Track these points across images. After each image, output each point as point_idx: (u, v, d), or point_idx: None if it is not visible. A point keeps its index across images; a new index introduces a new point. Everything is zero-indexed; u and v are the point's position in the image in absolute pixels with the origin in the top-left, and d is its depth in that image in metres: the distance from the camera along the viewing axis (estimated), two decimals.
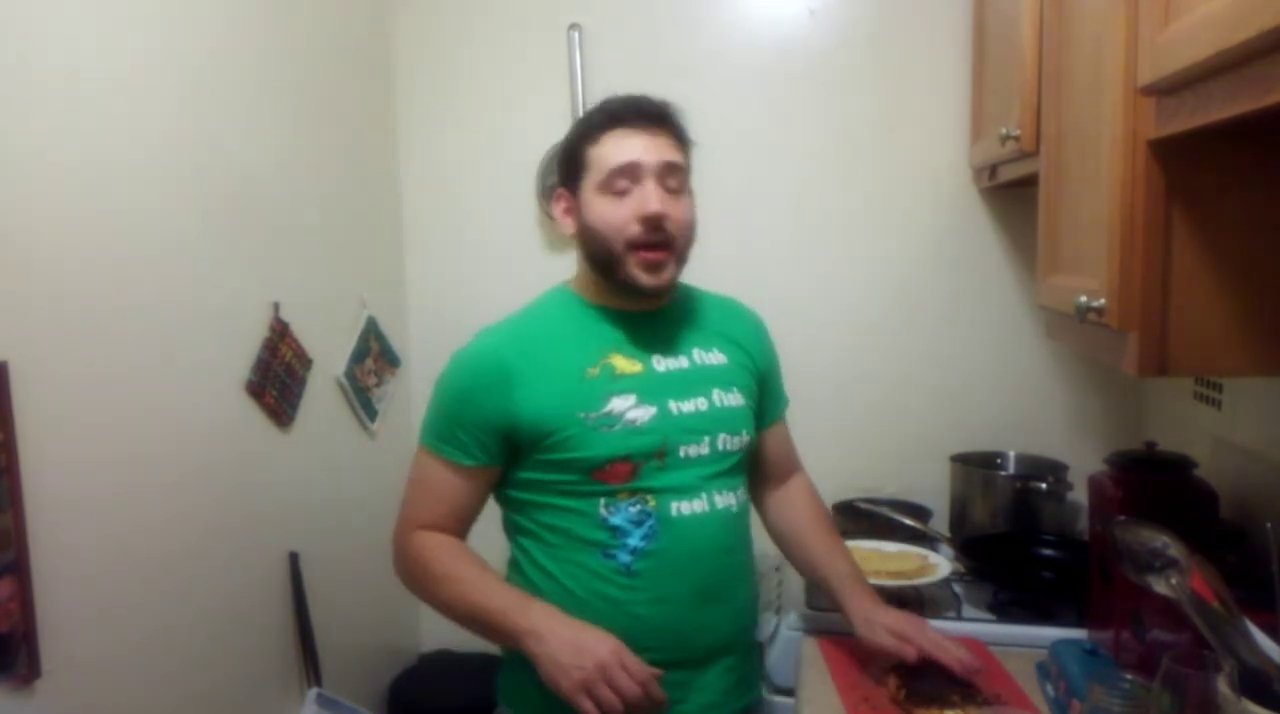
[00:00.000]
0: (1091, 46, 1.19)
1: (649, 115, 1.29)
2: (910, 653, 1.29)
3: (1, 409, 1.26)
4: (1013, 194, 2.14)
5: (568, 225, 1.34)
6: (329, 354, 2.09)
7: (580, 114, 2.28)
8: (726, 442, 1.34)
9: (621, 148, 1.27)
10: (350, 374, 2.17)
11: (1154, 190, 1.02)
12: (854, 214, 2.28)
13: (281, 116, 1.93)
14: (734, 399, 1.36)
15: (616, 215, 1.26)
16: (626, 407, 1.27)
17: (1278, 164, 0.99)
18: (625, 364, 1.30)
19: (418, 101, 2.43)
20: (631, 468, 1.26)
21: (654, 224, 1.26)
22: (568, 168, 1.33)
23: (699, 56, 2.28)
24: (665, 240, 1.27)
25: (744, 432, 1.37)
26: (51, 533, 1.34)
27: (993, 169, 1.93)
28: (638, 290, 1.29)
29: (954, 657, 1.30)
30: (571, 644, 1.17)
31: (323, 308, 2.06)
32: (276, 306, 1.88)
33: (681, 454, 1.29)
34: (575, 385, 1.27)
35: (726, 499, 1.33)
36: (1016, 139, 1.55)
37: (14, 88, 1.30)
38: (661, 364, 1.32)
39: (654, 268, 1.28)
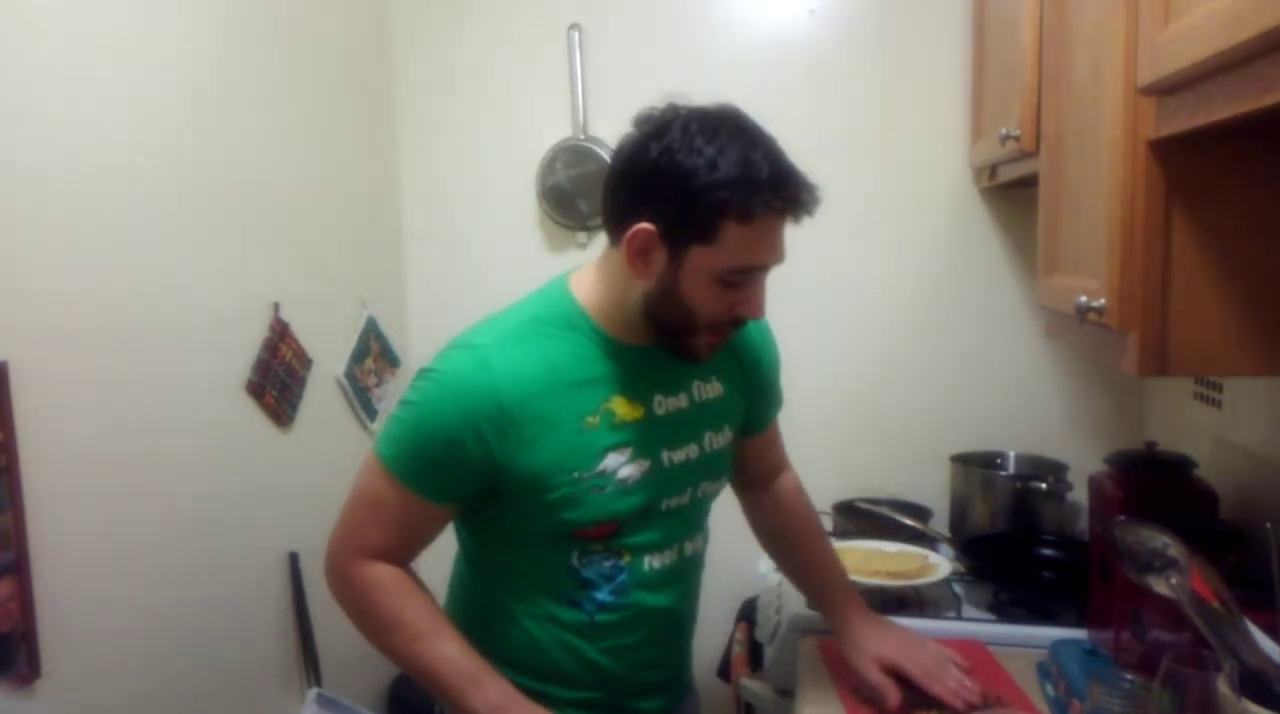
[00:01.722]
0: (1091, 46, 1.19)
1: (807, 213, 1.11)
2: (891, 701, 1.27)
3: (1, 409, 1.26)
4: (1013, 194, 2.14)
5: (640, 270, 1.10)
6: (329, 354, 2.09)
7: (581, 110, 2.31)
8: (706, 489, 1.28)
9: (766, 244, 1.09)
10: (350, 374, 2.17)
11: (1154, 190, 1.02)
12: (853, 214, 2.28)
13: (281, 116, 1.93)
14: (722, 440, 1.28)
15: (722, 303, 1.11)
16: (619, 464, 1.15)
17: (1278, 164, 0.99)
18: (626, 409, 1.17)
19: (418, 101, 2.43)
20: (615, 527, 1.17)
21: (745, 322, 1.17)
22: (679, 216, 1.06)
23: (699, 56, 2.28)
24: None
25: (724, 475, 1.33)
26: (51, 533, 1.34)
27: (993, 169, 1.93)
28: (685, 358, 1.18)
29: (947, 689, 1.28)
30: None
31: (323, 308, 2.06)
32: (276, 307, 1.88)
33: (663, 507, 1.21)
34: (572, 438, 1.13)
35: (694, 544, 1.29)
36: (1016, 139, 1.55)
37: (15, 89, 1.30)
38: (662, 406, 1.20)
39: (715, 348, 1.18)
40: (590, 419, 1.14)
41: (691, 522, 1.28)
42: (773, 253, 1.11)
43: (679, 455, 1.22)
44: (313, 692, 1.94)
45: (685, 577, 1.29)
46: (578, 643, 1.22)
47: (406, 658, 1.19)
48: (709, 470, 1.27)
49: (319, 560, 1.98)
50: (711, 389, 1.26)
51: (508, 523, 1.20)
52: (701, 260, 1.08)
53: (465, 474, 1.13)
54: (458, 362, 1.14)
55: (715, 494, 1.32)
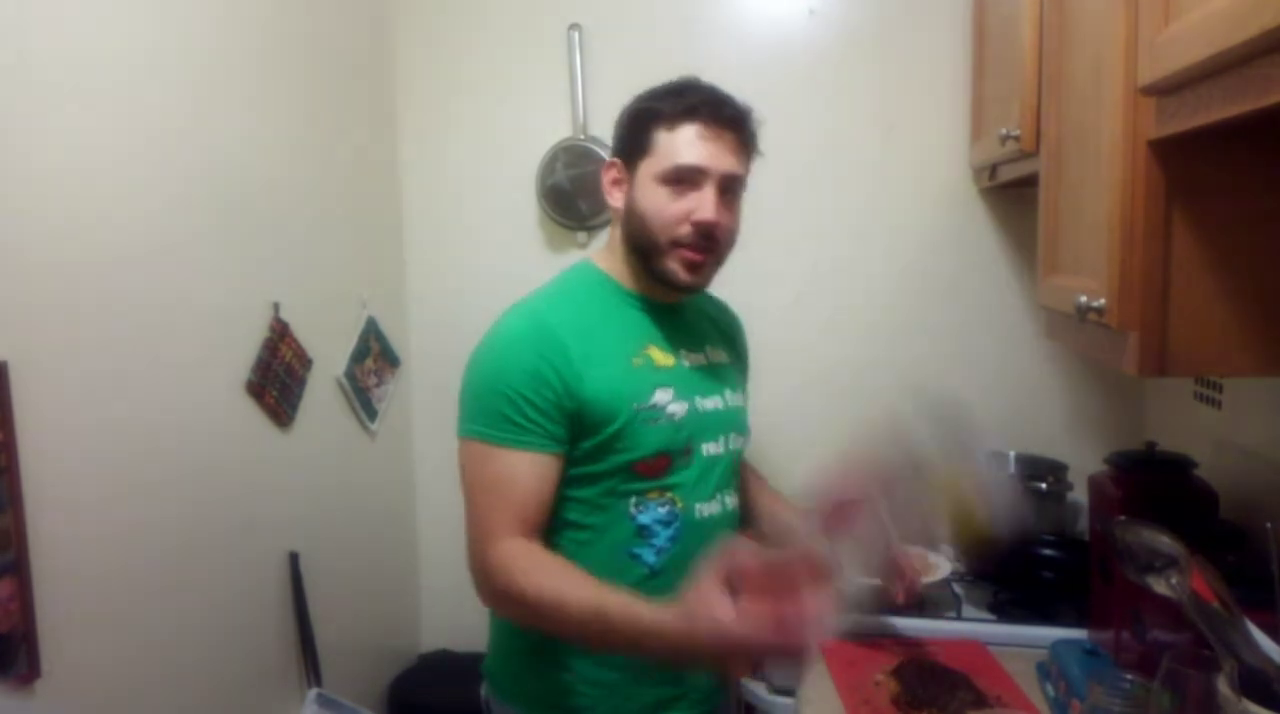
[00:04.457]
0: (1091, 46, 1.19)
1: (727, 120, 1.24)
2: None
3: (2, 409, 1.26)
4: (1013, 194, 2.14)
5: (615, 198, 1.30)
6: (329, 354, 2.09)
7: (581, 110, 2.31)
8: (736, 441, 1.37)
9: (693, 148, 1.22)
10: (350, 374, 2.17)
11: (1154, 190, 1.02)
12: (854, 214, 2.28)
13: (282, 116, 1.93)
14: (738, 399, 1.39)
15: (670, 211, 1.23)
16: (668, 400, 1.25)
17: (1278, 164, 0.99)
18: (661, 357, 1.28)
19: (418, 101, 2.43)
20: (667, 463, 1.24)
21: (705, 231, 1.24)
22: (629, 140, 1.27)
23: (699, 56, 2.27)
24: (711, 246, 1.26)
25: (747, 433, 1.41)
26: (51, 533, 1.34)
27: (993, 169, 1.93)
28: (671, 284, 1.28)
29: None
30: (715, 658, 1.01)
31: (323, 308, 2.06)
32: (276, 307, 1.88)
33: (704, 452, 1.29)
34: (625, 373, 1.23)
35: (733, 500, 1.37)
36: (1016, 139, 1.55)
37: (14, 88, 1.30)
38: (688, 359, 1.31)
39: (694, 267, 1.26)
40: (635, 360, 1.26)
41: (727, 474, 1.35)
42: (698, 158, 1.22)
43: (709, 403, 1.32)
44: (313, 692, 1.94)
45: (730, 532, 1.35)
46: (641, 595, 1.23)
47: (582, 631, 1.12)
48: (734, 423, 1.36)
49: (319, 560, 2.00)
50: (719, 355, 1.39)
51: (572, 469, 1.23)
52: (646, 171, 1.25)
53: (555, 408, 1.18)
54: (509, 322, 1.26)
55: (743, 450, 1.40)
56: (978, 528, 1.10)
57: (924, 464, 1.16)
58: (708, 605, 0.95)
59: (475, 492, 1.19)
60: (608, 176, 1.31)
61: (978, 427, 1.07)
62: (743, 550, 0.97)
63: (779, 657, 0.98)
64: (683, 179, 1.22)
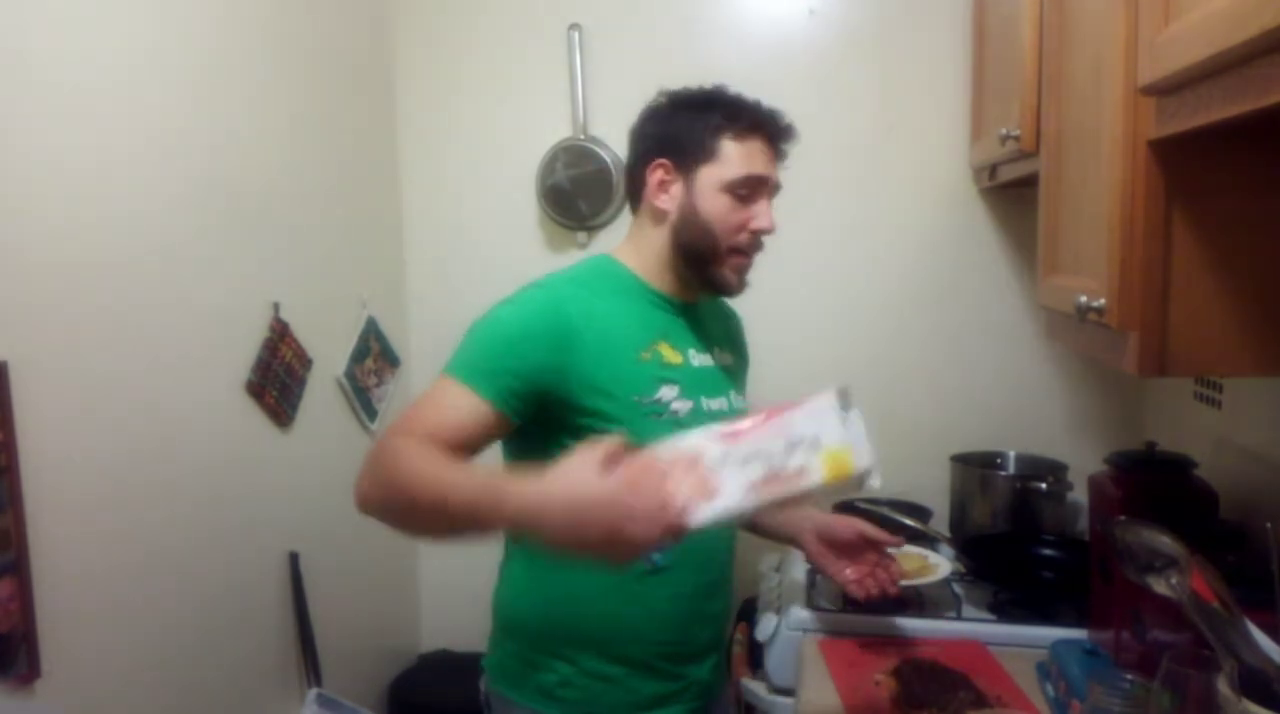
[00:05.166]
0: (1091, 46, 1.19)
1: (783, 133, 1.32)
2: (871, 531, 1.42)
3: (2, 409, 1.26)
4: (1013, 194, 2.14)
5: (663, 200, 1.31)
6: (329, 354, 2.09)
7: (581, 110, 2.31)
8: None
9: (762, 159, 1.29)
10: (350, 374, 2.17)
11: (1154, 190, 1.02)
12: (853, 214, 2.28)
13: (282, 116, 1.93)
14: (742, 402, 1.41)
15: (735, 219, 1.28)
16: (672, 397, 1.27)
17: (1278, 164, 0.99)
18: (671, 354, 1.30)
19: (418, 101, 2.43)
20: None
21: (759, 238, 1.31)
22: (685, 143, 1.29)
23: (698, 56, 2.28)
24: (756, 251, 1.33)
25: None
26: (51, 533, 1.34)
27: (993, 169, 1.93)
28: (722, 290, 1.33)
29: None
30: (568, 523, 0.96)
31: (323, 308, 2.06)
32: (276, 307, 1.88)
33: None
34: (630, 366, 1.25)
35: None
36: (1016, 139, 1.55)
37: (14, 89, 1.30)
38: (696, 359, 1.33)
39: (744, 271, 1.32)
40: (644, 354, 1.28)
41: None
42: (766, 169, 1.30)
43: (714, 404, 1.33)
44: (313, 692, 1.94)
45: (729, 530, 1.38)
46: (640, 589, 1.27)
47: (427, 507, 1.10)
48: None
49: (319, 560, 2.00)
50: (726, 357, 1.41)
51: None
52: (710, 177, 1.28)
53: (524, 383, 1.19)
54: (528, 292, 1.27)
55: None
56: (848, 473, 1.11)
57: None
58: (572, 469, 0.95)
59: (418, 401, 1.21)
60: (654, 177, 1.31)
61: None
62: (618, 444, 0.97)
63: (640, 524, 0.93)
64: (748, 188, 1.28)
